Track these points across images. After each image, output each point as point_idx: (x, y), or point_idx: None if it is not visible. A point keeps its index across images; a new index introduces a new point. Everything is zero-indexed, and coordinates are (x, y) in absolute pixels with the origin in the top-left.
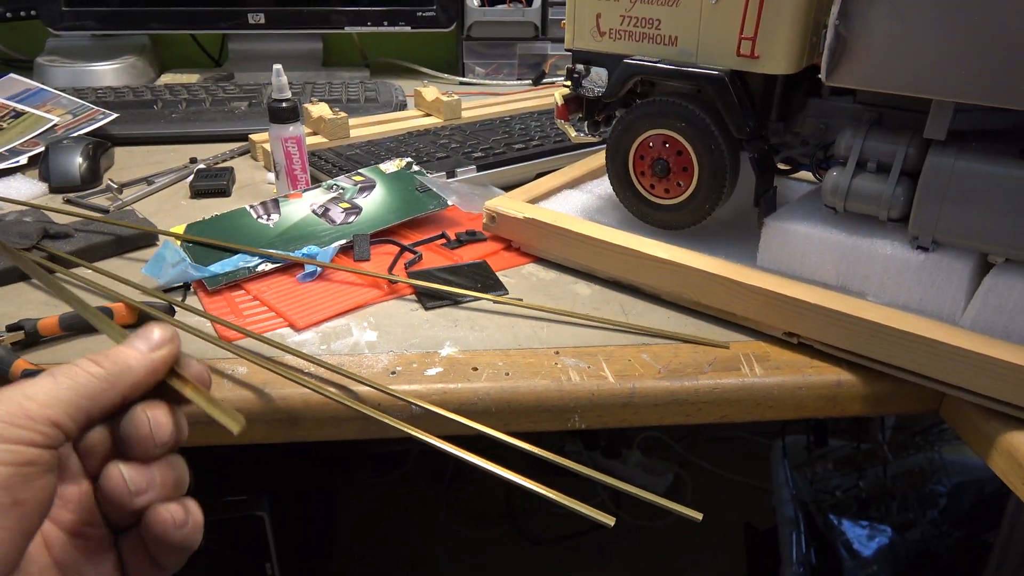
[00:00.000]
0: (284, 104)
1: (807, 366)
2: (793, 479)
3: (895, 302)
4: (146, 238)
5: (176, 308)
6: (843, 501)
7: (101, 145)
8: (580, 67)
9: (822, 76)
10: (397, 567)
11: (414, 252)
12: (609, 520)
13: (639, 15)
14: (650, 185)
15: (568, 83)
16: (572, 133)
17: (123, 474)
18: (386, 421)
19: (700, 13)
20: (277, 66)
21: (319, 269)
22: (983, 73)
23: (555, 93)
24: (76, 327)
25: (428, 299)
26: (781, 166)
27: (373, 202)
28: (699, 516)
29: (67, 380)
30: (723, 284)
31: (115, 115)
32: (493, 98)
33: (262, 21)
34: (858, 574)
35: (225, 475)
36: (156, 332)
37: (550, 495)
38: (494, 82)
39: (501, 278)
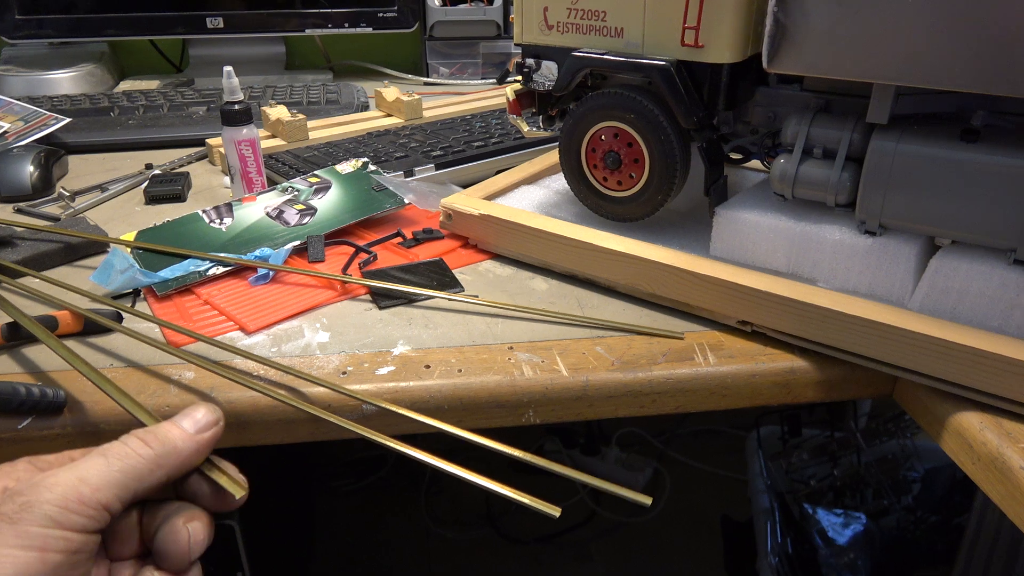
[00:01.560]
0: (236, 106)
1: (760, 354)
2: (768, 470)
3: (845, 287)
4: (96, 245)
5: (124, 315)
6: (818, 490)
7: (53, 153)
8: (531, 61)
9: (764, 63)
10: (378, 572)
11: (369, 252)
12: (554, 511)
13: (585, 7)
14: (603, 178)
15: (519, 78)
16: (525, 128)
17: None
18: (335, 421)
19: (644, 4)
20: (227, 68)
21: (271, 272)
22: (922, 56)
23: (507, 89)
24: (19, 337)
25: (382, 298)
26: (733, 155)
27: (328, 203)
28: (648, 500)
29: (118, 462)
30: (676, 275)
31: (67, 120)
32: (456, 97)
33: (221, 25)
34: (833, 562)
35: None
36: (202, 412)
37: (494, 487)
38: (458, 82)
39: (458, 275)
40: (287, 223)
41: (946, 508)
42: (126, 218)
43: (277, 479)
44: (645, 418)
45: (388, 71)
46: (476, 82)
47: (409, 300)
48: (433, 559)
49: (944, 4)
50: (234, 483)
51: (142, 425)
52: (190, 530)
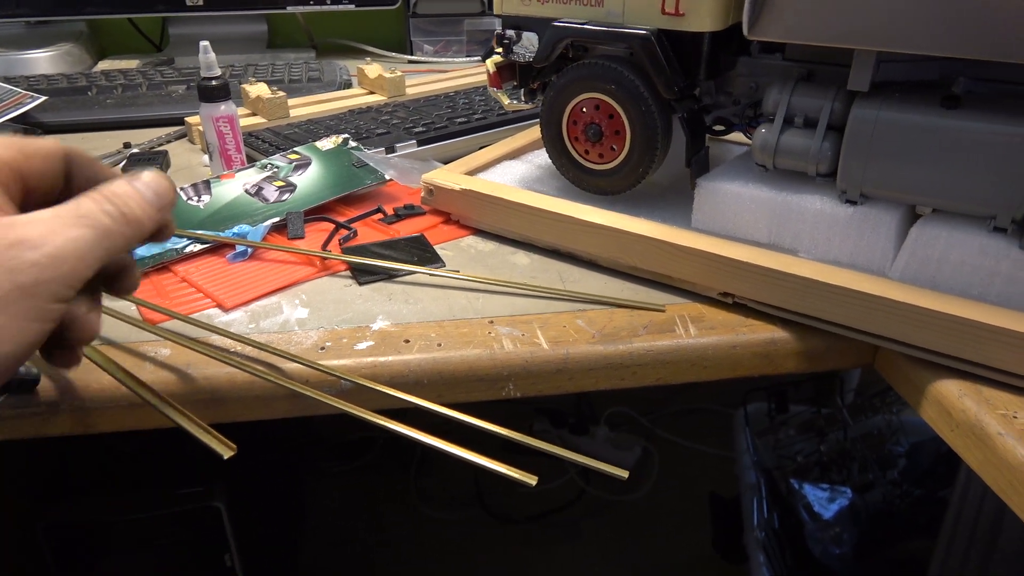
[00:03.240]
0: (214, 82)
1: (742, 325)
2: (754, 446)
3: (826, 257)
4: None
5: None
6: (805, 465)
7: (30, 132)
8: (511, 32)
9: (744, 30)
10: (369, 552)
11: (349, 228)
12: (531, 479)
13: None
14: (584, 151)
15: (500, 50)
16: (506, 101)
17: None
18: (313, 396)
19: None
20: (204, 43)
21: (249, 249)
22: (903, 20)
23: (487, 61)
24: None
25: (362, 274)
26: (715, 127)
27: (308, 179)
28: (624, 474)
29: (106, 241)
30: (658, 247)
31: (43, 98)
32: (439, 75)
33: (200, 3)
34: (819, 536)
35: (180, 466)
36: (155, 179)
37: (469, 456)
38: (443, 59)
39: (439, 251)
40: (266, 200)
41: (930, 481)
42: None
43: (266, 461)
44: (634, 397)
45: (372, 49)
46: (461, 59)
47: (390, 276)
48: (423, 540)
49: None
50: (222, 444)
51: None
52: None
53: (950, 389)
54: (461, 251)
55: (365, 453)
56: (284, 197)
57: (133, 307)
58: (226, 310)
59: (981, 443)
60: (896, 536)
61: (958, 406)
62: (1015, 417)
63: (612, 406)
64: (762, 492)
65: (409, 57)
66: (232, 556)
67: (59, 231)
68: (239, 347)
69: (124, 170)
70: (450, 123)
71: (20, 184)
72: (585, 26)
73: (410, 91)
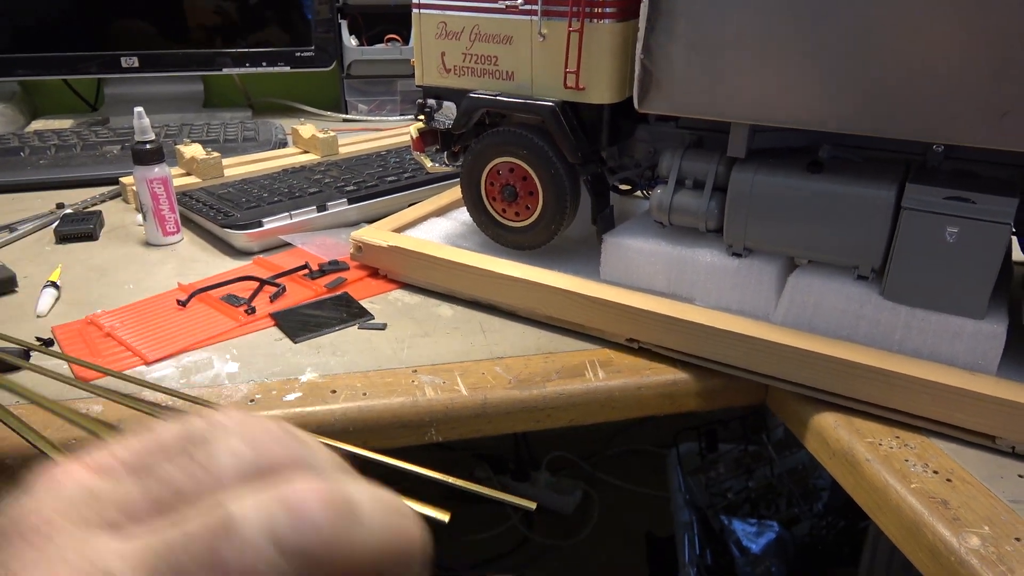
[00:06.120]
0: (148, 146)
1: (646, 368)
2: (686, 485)
3: (718, 304)
4: (4, 284)
5: (32, 353)
6: (735, 502)
7: None
8: (432, 102)
9: (635, 104)
10: None
11: (276, 285)
12: (444, 516)
13: (479, 53)
14: (502, 209)
15: (422, 117)
16: (428, 164)
17: None
18: None
19: (531, 50)
20: (138, 109)
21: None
22: (767, 98)
23: (411, 127)
24: None
25: (296, 332)
26: (622, 186)
27: None
28: (532, 505)
29: None
30: (569, 298)
31: None
32: (373, 133)
33: (135, 64)
34: (749, 570)
35: None
36: None
37: None
38: (377, 118)
39: (367, 304)
40: None
41: (852, 513)
42: (35, 258)
43: None
44: (574, 442)
45: (308, 108)
46: (394, 118)
47: (321, 332)
48: None
49: (783, 54)
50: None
51: (47, 458)
52: None
53: (828, 421)
54: (388, 304)
55: None
56: None
57: (66, 365)
58: (148, 363)
59: (852, 468)
60: (822, 566)
61: (833, 436)
62: (880, 444)
63: (552, 451)
64: (694, 529)
65: (344, 116)
66: None
67: None
68: (170, 401)
69: (56, 230)
70: (380, 181)
71: None
72: (498, 97)
73: (344, 150)
